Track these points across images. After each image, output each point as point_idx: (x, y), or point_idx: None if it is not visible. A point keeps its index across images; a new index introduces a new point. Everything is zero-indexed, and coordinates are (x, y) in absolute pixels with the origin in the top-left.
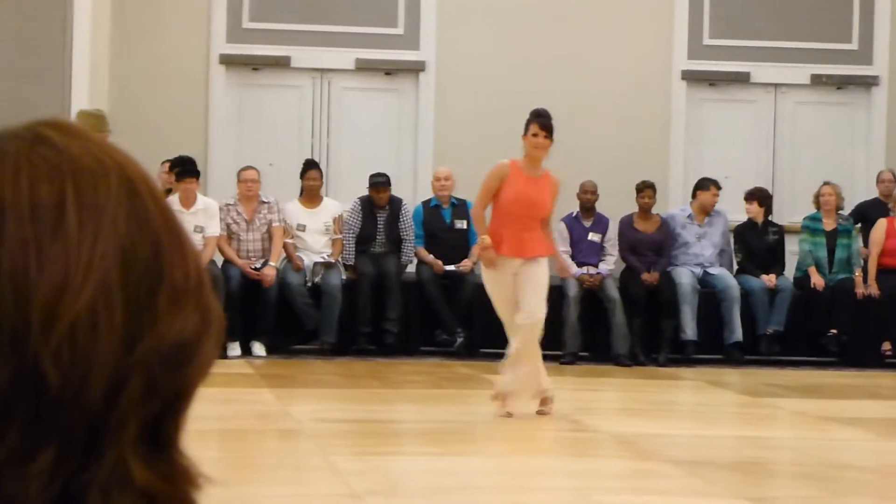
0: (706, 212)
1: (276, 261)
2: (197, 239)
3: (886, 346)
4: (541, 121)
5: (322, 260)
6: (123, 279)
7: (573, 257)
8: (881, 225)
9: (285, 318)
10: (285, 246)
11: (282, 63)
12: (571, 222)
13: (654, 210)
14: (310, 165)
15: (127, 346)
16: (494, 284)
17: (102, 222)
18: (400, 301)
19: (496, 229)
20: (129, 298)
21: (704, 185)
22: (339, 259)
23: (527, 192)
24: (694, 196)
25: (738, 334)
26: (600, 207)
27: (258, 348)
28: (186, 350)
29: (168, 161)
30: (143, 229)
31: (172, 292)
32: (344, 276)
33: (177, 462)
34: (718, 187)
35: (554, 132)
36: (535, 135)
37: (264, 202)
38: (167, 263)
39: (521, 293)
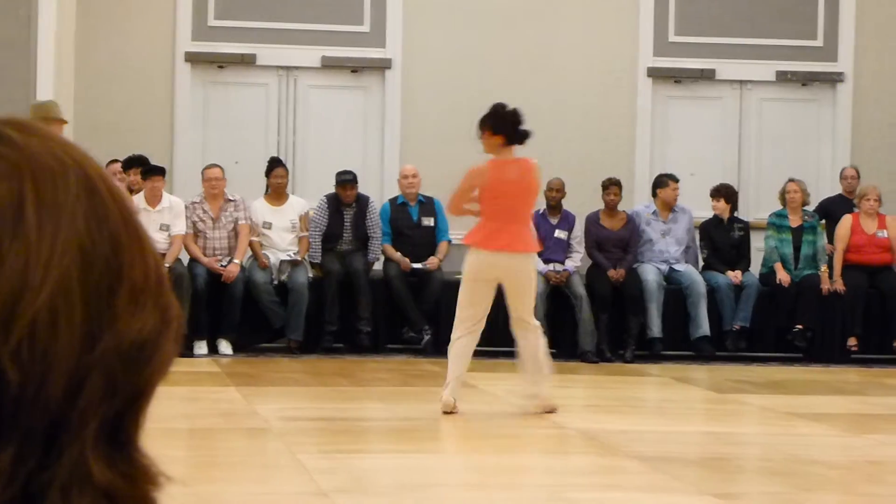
0: (669, 208)
1: (241, 259)
2: (163, 237)
3: (852, 341)
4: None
5: (288, 258)
6: (83, 277)
7: (540, 254)
8: (846, 221)
9: (252, 317)
10: (251, 244)
11: (247, 61)
12: (538, 219)
13: (621, 207)
14: (275, 163)
15: (87, 345)
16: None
17: (62, 221)
18: (370, 299)
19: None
20: (89, 297)
21: (663, 181)
22: (306, 257)
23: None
24: (655, 194)
25: (704, 328)
26: (566, 204)
27: (225, 346)
28: (146, 348)
29: (117, 160)
30: (103, 227)
31: (132, 291)
32: (310, 274)
33: (137, 461)
34: (677, 181)
35: (487, 125)
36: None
37: (230, 200)
38: (126, 262)
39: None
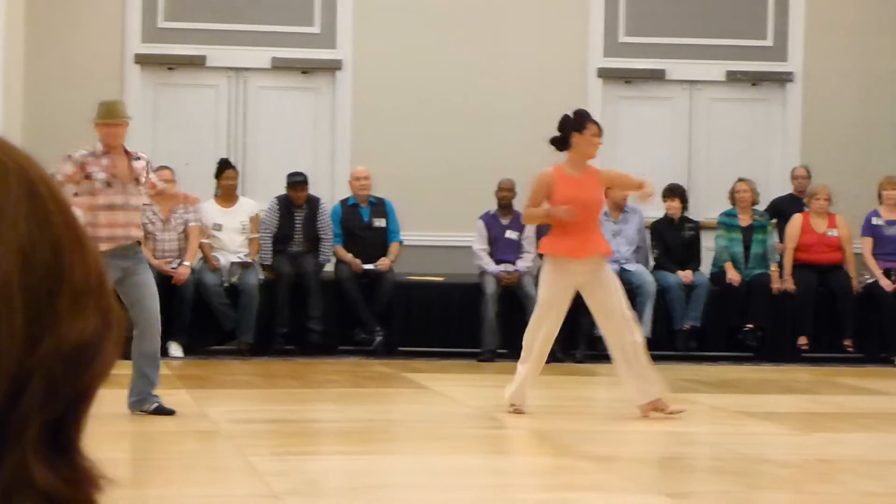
0: (619, 208)
1: (191, 261)
2: None
3: (802, 340)
4: (596, 122)
5: (239, 260)
6: (24, 280)
7: (491, 255)
8: (796, 220)
9: (202, 319)
10: (201, 246)
11: (197, 62)
12: (489, 220)
13: None
14: (225, 165)
15: (28, 348)
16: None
17: (2, 223)
18: (321, 300)
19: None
20: (30, 300)
21: None
22: (257, 259)
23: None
24: (605, 194)
25: (646, 330)
26: (518, 205)
27: (175, 349)
28: (88, 351)
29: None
30: (44, 230)
31: (73, 293)
32: (261, 276)
33: (79, 464)
34: None
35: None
36: (595, 135)
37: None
38: (68, 264)
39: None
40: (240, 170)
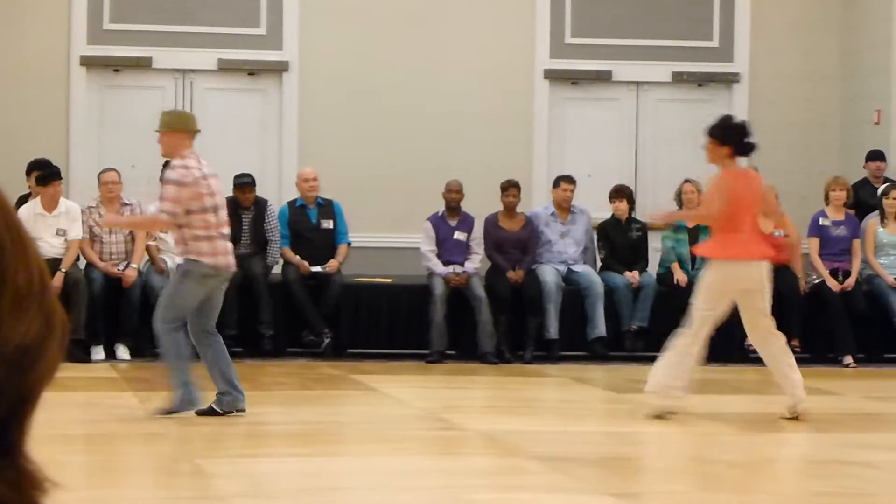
0: (565, 209)
1: (138, 263)
2: (59, 242)
3: (749, 340)
4: None
5: None
6: None
7: (439, 256)
8: None
9: (149, 322)
10: (148, 248)
11: (143, 64)
12: (437, 221)
13: (519, 209)
14: None
15: None
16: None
17: None
18: (269, 303)
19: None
20: None
21: (555, 182)
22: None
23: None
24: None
25: (601, 330)
26: (465, 206)
27: (122, 351)
28: (30, 353)
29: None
30: None
31: (15, 296)
32: None
33: (23, 467)
34: (570, 182)
35: (716, 134)
36: None
37: (126, 204)
38: (10, 267)
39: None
40: None
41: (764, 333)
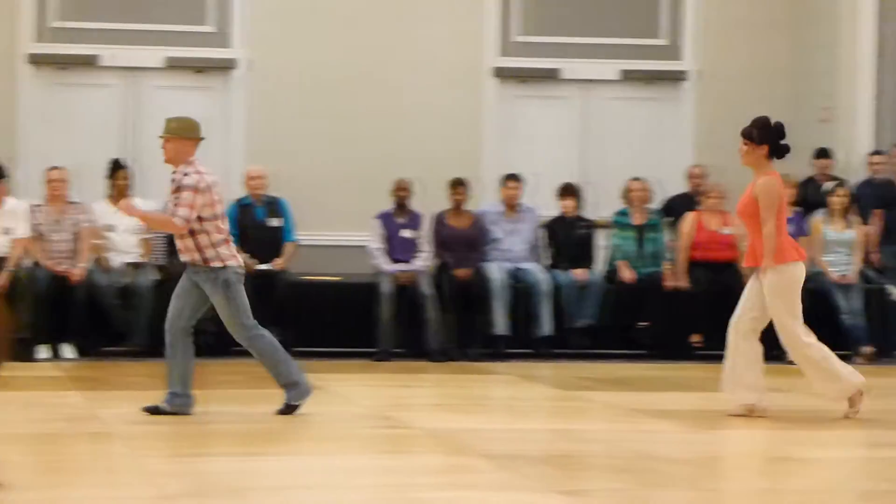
0: (512, 207)
1: (84, 262)
2: (5, 241)
3: (696, 338)
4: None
5: (132, 260)
6: None
7: (387, 254)
8: (689, 218)
9: (95, 320)
10: (94, 247)
11: (90, 62)
12: (385, 219)
13: (467, 206)
14: (118, 165)
15: None
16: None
17: None
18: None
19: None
20: None
21: (503, 180)
22: (150, 259)
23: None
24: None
25: (547, 328)
26: (413, 204)
27: (68, 350)
28: None
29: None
30: None
31: None
32: (154, 277)
33: None
34: (516, 181)
35: (753, 136)
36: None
37: (72, 203)
38: None
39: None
40: (133, 170)
41: (753, 329)
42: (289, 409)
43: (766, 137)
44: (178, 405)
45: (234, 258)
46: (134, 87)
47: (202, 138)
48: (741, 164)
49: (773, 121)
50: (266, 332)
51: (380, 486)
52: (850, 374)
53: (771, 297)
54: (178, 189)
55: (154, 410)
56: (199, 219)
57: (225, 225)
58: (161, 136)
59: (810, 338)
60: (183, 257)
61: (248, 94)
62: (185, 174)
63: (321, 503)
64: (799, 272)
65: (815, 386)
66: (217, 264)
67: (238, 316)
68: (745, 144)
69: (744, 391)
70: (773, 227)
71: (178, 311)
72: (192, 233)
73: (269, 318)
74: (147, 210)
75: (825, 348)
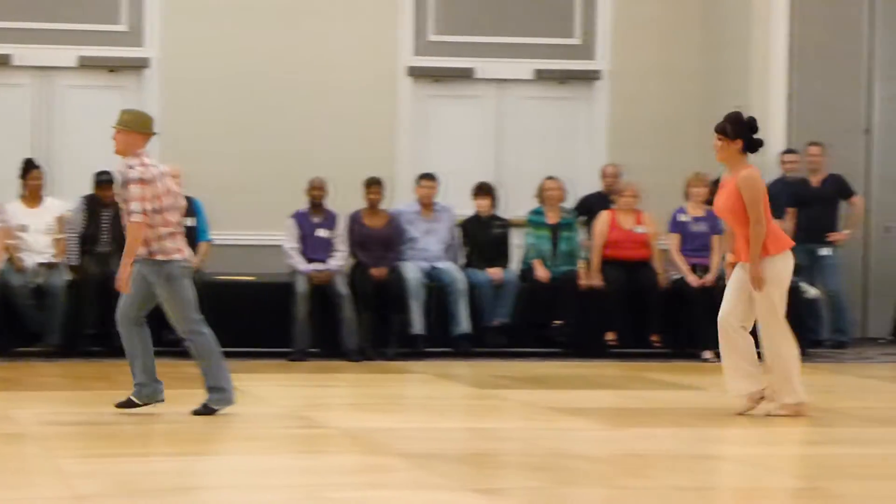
0: (427, 206)
1: None
2: None
3: (610, 336)
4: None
5: (45, 260)
6: None
7: (303, 254)
8: (603, 217)
9: (8, 321)
10: (7, 247)
11: (2, 62)
12: (301, 219)
13: (383, 206)
14: (30, 165)
15: None
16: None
17: None
18: None
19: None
20: None
21: (417, 180)
22: (63, 259)
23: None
24: None
25: (464, 326)
26: (329, 204)
27: None
28: None
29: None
30: None
31: None
32: (68, 277)
33: None
34: (431, 180)
35: (727, 131)
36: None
37: None
38: None
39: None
40: (46, 170)
41: (742, 325)
42: (206, 411)
43: (740, 132)
44: (146, 395)
45: (180, 252)
46: (46, 87)
47: (154, 133)
48: (716, 160)
49: (744, 115)
50: (208, 332)
51: (295, 486)
52: (801, 387)
53: (767, 287)
54: (124, 184)
55: (126, 404)
56: (150, 211)
57: (173, 217)
58: (113, 127)
59: (790, 336)
60: (142, 251)
61: (162, 94)
62: (130, 167)
63: (235, 503)
64: (791, 261)
65: (774, 384)
66: (161, 258)
67: (182, 310)
68: (720, 140)
69: (744, 381)
70: (764, 219)
71: (129, 303)
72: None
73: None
74: (126, 255)
75: (797, 353)
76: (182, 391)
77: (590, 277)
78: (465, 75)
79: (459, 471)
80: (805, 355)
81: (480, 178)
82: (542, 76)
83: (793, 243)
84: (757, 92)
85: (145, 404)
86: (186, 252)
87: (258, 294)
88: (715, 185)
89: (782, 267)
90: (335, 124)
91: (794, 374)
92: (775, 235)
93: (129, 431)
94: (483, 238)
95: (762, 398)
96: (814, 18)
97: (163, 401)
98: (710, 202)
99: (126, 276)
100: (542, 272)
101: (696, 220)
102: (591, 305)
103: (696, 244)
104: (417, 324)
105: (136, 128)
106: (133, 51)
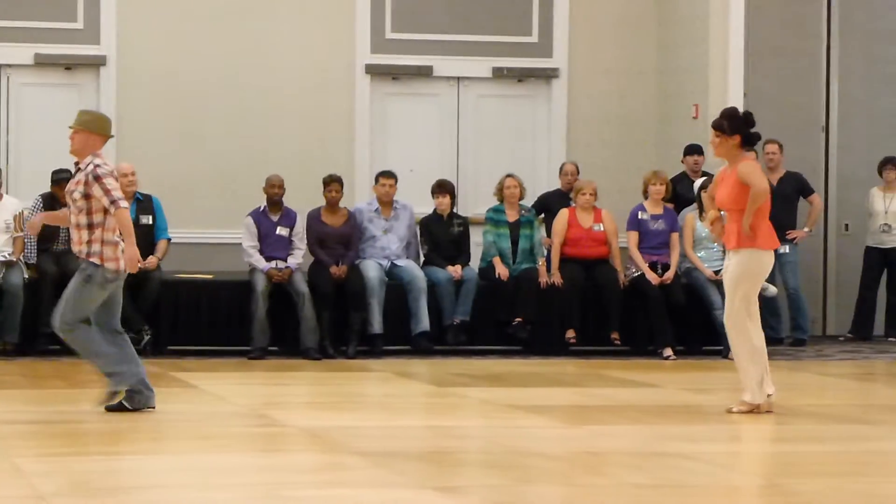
0: (386, 204)
1: None
2: None
3: (570, 333)
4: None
5: (3, 259)
6: None
7: (261, 252)
8: (563, 215)
9: None
10: None
11: None
12: (259, 217)
13: (342, 204)
14: None
15: None
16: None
17: None
18: None
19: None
20: None
21: (376, 178)
22: (21, 257)
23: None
24: None
25: (424, 324)
26: (287, 201)
27: None
28: None
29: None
30: None
31: None
32: (26, 275)
33: None
34: (389, 177)
35: (724, 127)
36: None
37: None
38: None
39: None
40: (2, 168)
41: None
42: (111, 396)
43: (737, 127)
44: (139, 401)
45: (115, 262)
46: (2, 85)
47: (111, 136)
48: (714, 156)
49: (739, 110)
50: (83, 328)
51: (253, 485)
52: (760, 386)
53: (739, 277)
54: (96, 179)
55: (115, 397)
56: (105, 211)
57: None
58: (71, 127)
59: (758, 329)
60: (73, 247)
61: (118, 92)
62: (98, 165)
63: (194, 501)
64: (772, 261)
65: (743, 379)
66: (95, 260)
67: (74, 309)
68: (717, 136)
69: (755, 385)
70: (764, 191)
71: (98, 316)
72: (91, 226)
73: (142, 317)
74: (128, 235)
75: (763, 346)
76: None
77: (549, 275)
78: (423, 73)
79: (419, 469)
80: None
81: (439, 175)
82: (501, 74)
83: (779, 245)
84: (714, 90)
85: (137, 410)
86: (121, 265)
87: (217, 292)
88: (672, 184)
89: (763, 262)
90: (293, 122)
91: (756, 371)
92: (768, 232)
93: (86, 430)
94: (442, 236)
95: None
96: (770, 16)
97: (153, 407)
98: (668, 200)
99: (134, 255)
100: (501, 270)
101: (655, 217)
102: (550, 303)
103: (654, 242)
104: (377, 322)
105: (95, 129)
106: (89, 48)
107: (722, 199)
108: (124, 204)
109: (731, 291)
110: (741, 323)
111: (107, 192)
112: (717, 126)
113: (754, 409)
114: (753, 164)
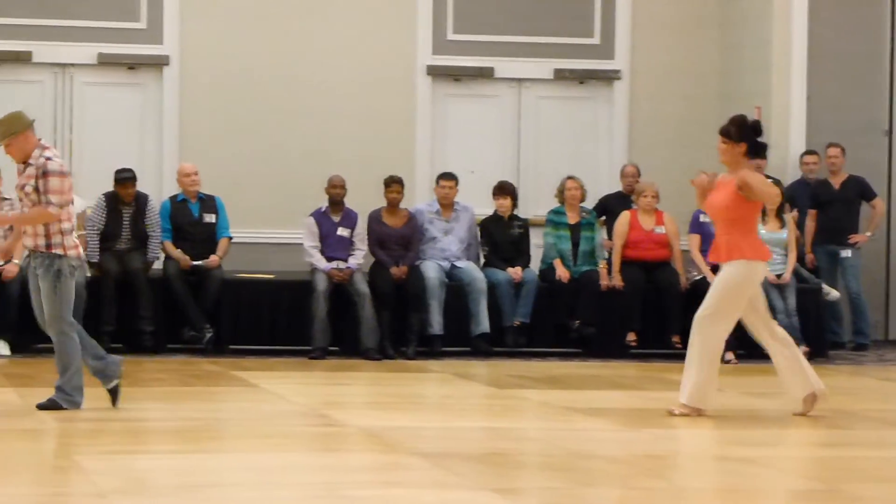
0: (446, 205)
1: (19, 258)
2: None
3: (630, 336)
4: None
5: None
6: None
7: (322, 252)
8: (624, 217)
9: (29, 317)
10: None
11: (23, 58)
12: (320, 217)
13: (402, 205)
14: None
15: None
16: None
17: None
18: (151, 299)
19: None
20: None
21: (437, 179)
22: (83, 256)
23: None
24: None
25: (484, 326)
26: (348, 202)
27: (2, 347)
28: None
29: None
30: None
31: None
32: (88, 274)
33: None
34: (450, 179)
35: (731, 134)
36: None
37: (5, 199)
38: None
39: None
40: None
41: (769, 329)
42: (50, 405)
43: (744, 135)
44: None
45: (76, 249)
46: (66, 84)
47: (33, 121)
48: (719, 162)
49: (749, 118)
50: (76, 338)
51: (312, 484)
52: (714, 395)
53: (726, 287)
54: (44, 174)
55: (55, 405)
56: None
57: (70, 213)
58: (1, 144)
59: (723, 343)
60: (26, 241)
61: (181, 91)
62: (48, 158)
63: (253, 500)
64: (762, 274)
65: (695, 378)
66: (58, 251)
67: (60, 309)
68: (724, 143)
69: (798, 388)
70: (774, 195)
71: (39, 307)
72: None
73: (204, 316)
74: (18, 213)
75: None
76: (199, 388)
77: (610, 278)
78: (484, 74)
79: (477, 470)
80: (825, 357)
81: (500, 177)
82: (562, 76)
83: (770, 257)
84: (776, 92)
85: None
86: (81, 251)
87: (277, 292)
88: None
89: (753, 273)
90: (355, 123)
91: (712, 375)
92: (757, 244)
93: (147, 428)
94: (502, 237)
95: (815, 398)
96: (833, 19)
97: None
98: None
99: (14, 218)
100: (562, 272)
101: None
102: (611, 306)
103: None
104: (436, 323)
105: (19, 130)
106: (152, 48)
107: (714, 204)
108: (54, 210)
109: (713, 296)
110: (706, 328)
111: (46, 191)
112: (724, 132)
113: (692, 413)
114: (756, 173)
